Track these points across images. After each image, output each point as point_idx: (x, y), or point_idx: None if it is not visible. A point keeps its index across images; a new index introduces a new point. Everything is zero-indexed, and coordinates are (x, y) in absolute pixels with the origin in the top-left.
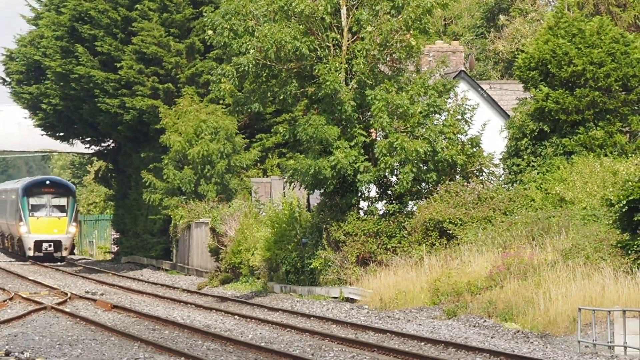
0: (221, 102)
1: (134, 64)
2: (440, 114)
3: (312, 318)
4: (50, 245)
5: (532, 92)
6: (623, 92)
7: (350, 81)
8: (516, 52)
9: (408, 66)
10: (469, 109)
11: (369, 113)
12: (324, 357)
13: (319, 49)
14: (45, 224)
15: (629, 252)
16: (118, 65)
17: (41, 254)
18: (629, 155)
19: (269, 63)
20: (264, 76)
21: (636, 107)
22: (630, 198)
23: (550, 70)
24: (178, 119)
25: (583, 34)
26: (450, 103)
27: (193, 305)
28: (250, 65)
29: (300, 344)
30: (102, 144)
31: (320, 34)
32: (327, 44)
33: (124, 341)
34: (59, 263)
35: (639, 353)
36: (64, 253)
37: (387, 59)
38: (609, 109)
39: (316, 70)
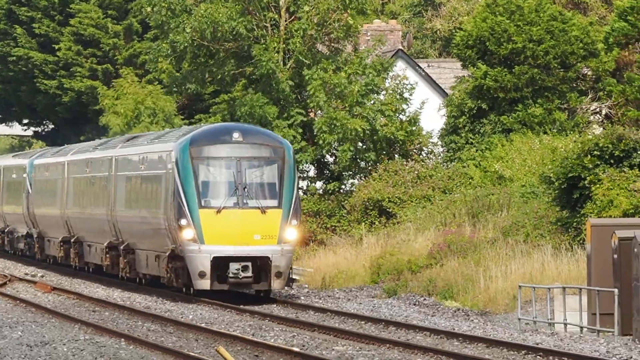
0: (157, 83)
1: (72, 45)
2: (378, 93)
3: (251, 298)
4: (245, 269)
5: (470, 70)
6: (562, 70)
7: (288, 61)
8: (454, 30)
9: (346, 46)
10: (407, 88)
11: (307, 93)
12: (265, 337)
13: (256, 29)
14: (234, 224)
15: (569, 229)
16: (56, 46)
17: (226, 286)
18: (568, 132)
19: (206, 43)
20: (202, 56)
21: (575, 85)
22: (569, 175)
23: (489, 48)
24: (117, 99)
25: (521, 11)
26: (388, 82)
27: (133, 287)
28: (187, 45)
29: (241, 324)
30: (41, 126)
31: (257, 13)
32: (265, 23)
33: (64, 323)
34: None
35: (579, 330)
36: (275, 284)
37: (325, 38)
38: (548, 87)
39: (253, 51)
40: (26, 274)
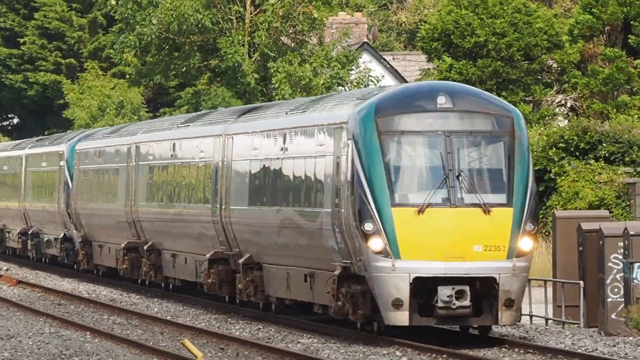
0: (124, 77)
1: (36, 39)
2: (343, 86)
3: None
4: (460, 295)
5: (435, 63)
6: (526, 62)
7: (254, 54)
8: (419, 23)
9: (311, 38)
10: (373, 81)
11: (272, 86)
12: (230, 330)
13: (221, 22)
14: (444, 230)
15: None
16: (21, 40)
17: (432, 320)
18: (533, 125)
19: (171, 36)
20: (167, 49)
21: (539, 77)
22: (535, 168)
23: (453, 41)
24: (82, 93)
25: (485, 4)
26: (353, 75)
27: (99, 279)
28: (153, 37)
29: (206, 317)
30: (5, 122)
31: (222, 7)
32: (230, 17)
33: (29, 316)
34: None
35: (544, 322)
36: (505, 318)
37: (290, 31)
38: (512, 79)
39: (219, 44)
40: None
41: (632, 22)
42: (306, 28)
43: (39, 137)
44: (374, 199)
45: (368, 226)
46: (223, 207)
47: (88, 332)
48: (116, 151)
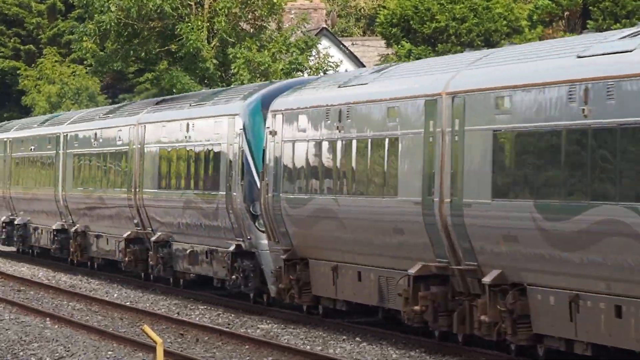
0: (85, 62)
1: None
2: (302, 72)
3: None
4: None
5: (394, 49)
6: (485, 48)
7: (213, 39)
8: (378, 9)
9: (270, 24)
10: (332, 66)
11: (231, 71)
12: (190, 316)
13: (181, 8)
14: None
15: None
16: None
17: None
18: None
19: (130, 22)
20: (126, 35)
21: None
22: None
23: (413, 27)
24: (39, 79)
25: None
26: (312, 61)
27: (58, 266)
28: (112, 24)
29: (166, 303)
30: None
31: None
32: (189, 2)
33: None
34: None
35: None
36: None
37: (249, 16)
38: None
39: (178, 29)
40: None
41: (591, 8)
42: (265, 13)
43: (161, 98)
44: None
45: None
46: None
47: (48, 318)
48: (389, 108)
